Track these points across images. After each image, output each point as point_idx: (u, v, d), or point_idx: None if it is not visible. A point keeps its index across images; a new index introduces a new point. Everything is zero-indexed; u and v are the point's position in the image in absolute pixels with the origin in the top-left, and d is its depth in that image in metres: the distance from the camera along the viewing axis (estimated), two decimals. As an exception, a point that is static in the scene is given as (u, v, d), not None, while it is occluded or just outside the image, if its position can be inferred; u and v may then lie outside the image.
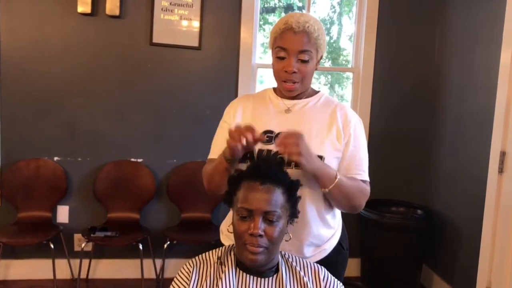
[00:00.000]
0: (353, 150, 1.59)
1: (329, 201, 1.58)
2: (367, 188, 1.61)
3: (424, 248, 3.33)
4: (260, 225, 1.28)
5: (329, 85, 4.22)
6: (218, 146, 1.68)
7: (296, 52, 1.52)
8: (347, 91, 4.05)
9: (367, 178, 1.62)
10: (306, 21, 1.51)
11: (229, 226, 1.40)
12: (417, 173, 3.62)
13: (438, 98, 3.47)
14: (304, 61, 1.54)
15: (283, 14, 3.75)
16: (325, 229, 1.61)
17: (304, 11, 3.65)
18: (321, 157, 1.51)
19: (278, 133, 1.55)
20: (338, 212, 1.70)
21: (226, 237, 1.67)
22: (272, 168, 1.33)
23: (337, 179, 1.47)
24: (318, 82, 4.08)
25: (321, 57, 1.61)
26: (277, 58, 1.56)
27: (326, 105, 1.65)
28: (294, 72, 1.54)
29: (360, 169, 1.60)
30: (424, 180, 3.59)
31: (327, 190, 1.49)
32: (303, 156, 1.38)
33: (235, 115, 1.67)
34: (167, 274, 3.37)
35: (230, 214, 1.65)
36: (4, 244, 3.01)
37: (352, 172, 1.59)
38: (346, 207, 1.61)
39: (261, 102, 1.69)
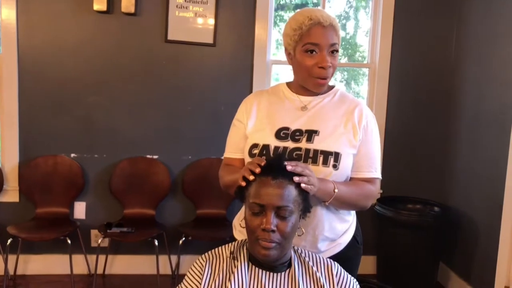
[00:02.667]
0: (366, 148, 1.59)
1: None
2: (374, 189, 1.60)
3: (441, 246, 3.29)
4: (273, 220, 1.27)
5: (345, 81, 4.19)
6: (232, 145, 1.70)
7: (328, 47, 1.51)
8: (363, 87, 4.01)
9: (378, 176, 1.62)
10: (328, 15, 1.51)
11: (241, 220, 1.40)
12: (434, 170, 3.58)
13: (455, 94, 3.43)
14: (333, 54, 1.53)
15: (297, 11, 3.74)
16: (339, 223, 1.61)
17: (319, 7, 3.63)
18: (337, 154, 1.51)
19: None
20: None
21: (240, 233, 1.67)
22: (284, 163, 1.32)
23: (335, 194, 1.46)
24: (334, 79, 4.06)
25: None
26: (307, 55, 1.52)
27: (342, 101, 1.63)
28: (329, 66, 1.52)
29: (372, 166, 1.60)
30: (441, 177, 3.54)
31: (326, 203, 1.49)
32: (315, 188, 1.37)
33: (249, 113, 1.66)
34: (182, 270, 3.39)
35: (243, 209, 1.66)
36: (22, 239, 3.07)
37: (364, 169, 1.59)
38: (349, 209, 1.63)
39: (276, 98, 1.68)
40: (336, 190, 1.46)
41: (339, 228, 1.61)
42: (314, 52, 1.51)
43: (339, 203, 1.52)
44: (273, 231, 1.27)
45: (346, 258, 1.58)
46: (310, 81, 1.57)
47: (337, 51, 1.54)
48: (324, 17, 1.49)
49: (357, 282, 1.41)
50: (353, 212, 1.70)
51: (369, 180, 1.60)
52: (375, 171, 1.60)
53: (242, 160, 1.65)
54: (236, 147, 1.68)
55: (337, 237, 1.61)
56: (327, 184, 1.46)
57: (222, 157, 1.75)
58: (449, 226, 3.29)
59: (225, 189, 1.67)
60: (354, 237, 1.68)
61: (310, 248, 1.51)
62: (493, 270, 2.82)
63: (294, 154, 1.50)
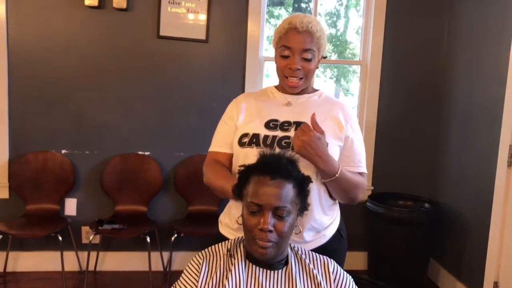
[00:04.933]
0: (353, 144, 1.66)
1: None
2: (365, 182, 1.68)
3: (432, 242, 3.33)
4: (270, 221, 1.27)
5: (334, 78, 4.21)
6: (220, 139, 1.74)
7: (300, 51, 1.60)
8: (352, 84, 4.04)
9: (365, 170, 1.70)
10: (309, 21, 1.60)
11: (238, 217, 1.41)
12: (425, 166, 3.61)
13: (446, 92, 3.45)
14: (307, 60, 1.61)
15: (290, 8, 3.74)
16: (324, 216, 1.64)
17: (311, 4, 3.63)
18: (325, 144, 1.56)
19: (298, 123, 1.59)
20: (337, 203, 1.74)
21: (225, 226, 1.70)
22: (282, 163, 1.33)
23: (338, 174, 1.53)
24: (324, 75, 4.08)
25: (321, 57, 1.68)
26: (281, 57, 1.62)
27: (327, 101, 1.73)
28: (298, 69, 1.61)
29: (361, 161, 1.69)
30: (432, 174, 3.57)
31: (325, 181, 1.55)
32: (319, 158, 1.47)
33: (239, 110, 1.71)
34: (174, 267, 3.39)
35: (229, 204, 1.71)
36: (12, 236, 3.04)
37: (354, 164, 1.67)
38: (343, 197, 1.67)
39: (264, 96, 1.76)
40: (339, 173, 1.53)
41: (324, 221, 1.64)
42: (287, 55, 1.61)
43: (336, 185, 1.58)
44: (270, 231, 1.27)
45: (332, 250, 1.62)
46: (282, 81, 1.68)
47: (311, 59, 1.61)
48: (304, 23, 1.59)
49: (352, 280, 1.42)
50: (337, 208, 1.75)
51: (360, 174, 1.68)
52: (363, 166, 1.70)
53: (229, 155, 1.70)
54: (224, 141, 1.71)
55: (322, 228, 1.64)
56: (334, 162, 1.53)
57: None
58: (439, 223, 3.32)
59: (208, 185, 1.72)
60: (338, 230, 1.72)
61: (295, 237, 1.53)
62: (483, 266, 2.86)
63: (283, 142, 1.56)
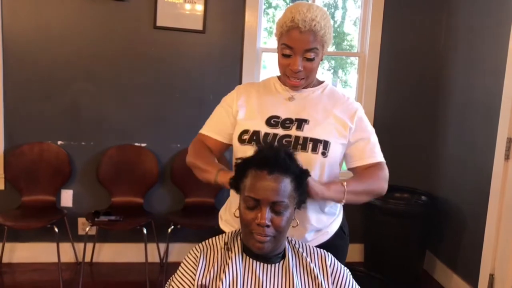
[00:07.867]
0: (363, 138, 1.61)
1: None
2: (383, 172, 1.62)
3: (428, 235, 3.33)
4: (267, 215, 1.27)
5: (332, 70, 4.19)
6: (213, 124, 1.73)
7: (302, 51, 1.51)
8: (350, 76, 4.02)
9: (382, 158, 1.64)
10: (312, 18, 1.48)
11: (235, 210, 1.40)
12: (422, 159, 3.61)
13: (444, 84, 3.44)
14: (309, 59, 1.53)
15: (288, 1, 3.71)
16: (325, 215, 1.63)
17: (310, 2, 3.60)
18: (326, 142, 1.53)
19: None
20: None
21: (226, 223, 1.69)
22: (280, 157, 1.31)
23: (346, 190, 1.49)
24: (321, 67, 4.05)
25: (326, 49, 1.61)
26: (283, 55, 1.55)
27: (331, 96, 1.67)
28: (300, 71, 1.54)
29: (373, 150, 1.62)
30: (429, 166, 3.57)
31: (343, 201, 1.51)
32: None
33: (240, 101, 1.68)
34: (171, 258, 3.39)
35: (230, 199, 1.69)
36: (8, 227, 3.02)
37: (366, 156, 1.61)
38: (368, 199, 1.62)
39: (266, 89, 1.70)
40: (346, 189, 1.49)
41: (325, 220, 1.63)
42: (289, 54, 1.53)
43: (356, 197, 1.54)
44: (267, 226, 1.26)
45: (333, 246, 1.60)
46: (285, 80, 1.61)
47: (314, 58, 1.53)
48: (306, 22, 1.47)
49: (350, 273, 1.41)
50: (339, 206, 1.72)
51: (374, 166, 1.62)
52: (378, 155, 1.63)
53: (219, 142, 1.70)
54: (217, 127, 1.70)
55: (324, 227, 1.63)
56: (335, 186, 1.49)
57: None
58: (436, 215, 3.32)
59: (190, 167, 1.71)
60: (341, 227, 1.70)
61: (297, 238, 1.52)
62: (479, 258, 2.87)
63: (284, 141, 1.53)
